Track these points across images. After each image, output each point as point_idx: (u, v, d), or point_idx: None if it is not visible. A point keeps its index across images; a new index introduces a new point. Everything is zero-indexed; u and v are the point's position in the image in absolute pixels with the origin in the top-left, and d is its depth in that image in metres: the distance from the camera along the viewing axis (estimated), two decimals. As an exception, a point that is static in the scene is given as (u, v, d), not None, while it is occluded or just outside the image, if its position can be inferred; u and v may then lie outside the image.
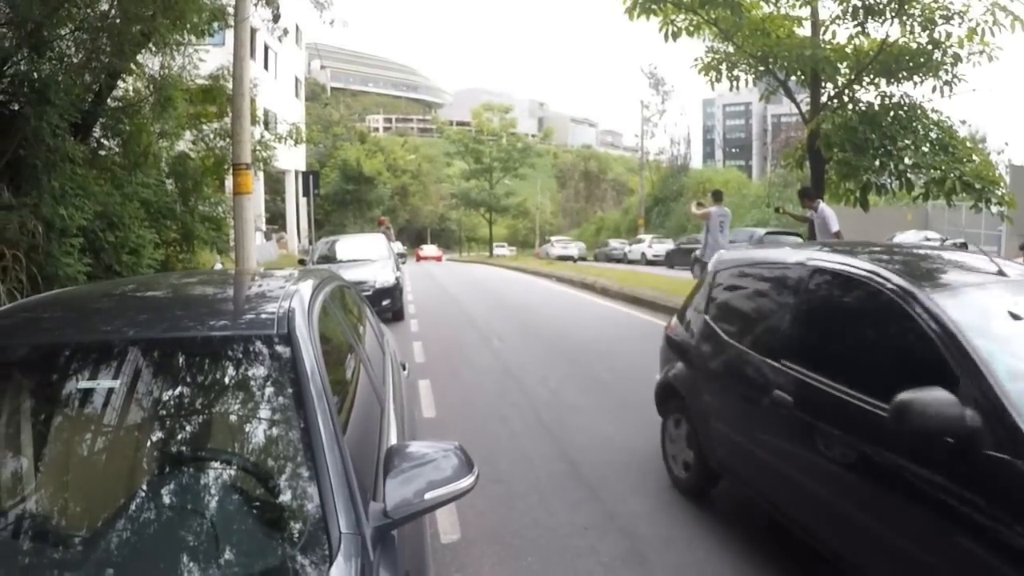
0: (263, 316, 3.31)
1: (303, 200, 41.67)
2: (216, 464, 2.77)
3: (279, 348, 3.04)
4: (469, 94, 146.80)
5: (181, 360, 3.13)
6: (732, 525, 5.83)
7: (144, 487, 2.63)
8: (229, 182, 17.42)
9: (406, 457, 2.85)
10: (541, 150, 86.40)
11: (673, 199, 67.97)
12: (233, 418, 2.98)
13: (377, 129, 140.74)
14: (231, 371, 3.13)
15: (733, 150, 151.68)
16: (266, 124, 24.83)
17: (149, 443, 2.82)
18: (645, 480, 6.86)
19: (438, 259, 70.05)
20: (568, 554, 5.37)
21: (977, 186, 15.32)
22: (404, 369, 6.05)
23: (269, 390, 3.00)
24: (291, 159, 40.80)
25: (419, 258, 68.66)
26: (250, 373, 3.10)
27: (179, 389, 3.04)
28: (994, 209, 16.52)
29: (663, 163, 76.87)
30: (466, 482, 2.83)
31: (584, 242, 68.36)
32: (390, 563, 2.56)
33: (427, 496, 2.71)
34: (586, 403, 9.74)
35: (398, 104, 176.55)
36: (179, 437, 2.89)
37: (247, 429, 2.93)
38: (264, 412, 2.96)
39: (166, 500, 2.59)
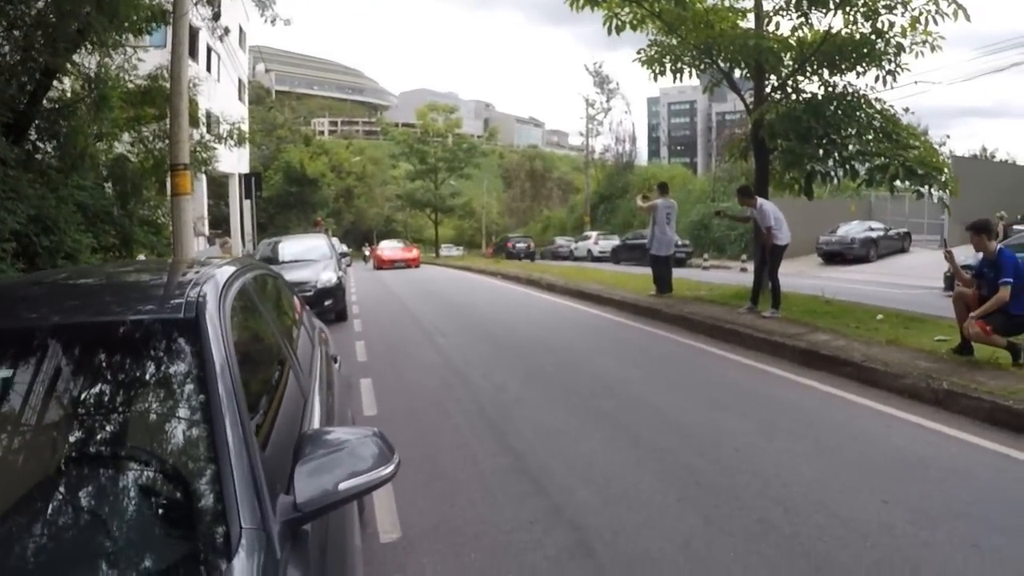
0: (173, 301, 3.05)
1: (247, 203, 41.10)
2: (111, 456, 2.52)
3: (186, 333, 2.80)
4: (415, 96, 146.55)
5: (79, 348, 2.87)
6: (681, 516, 5.67)
7: (32, 482, 2.38)
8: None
9: (319, 444, 2.61)
10: (486, 150, 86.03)
11: (619, 196, 68.13)
12: (133, 407, 2.72)
13: (323, 132, 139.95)
14: (133, 357, 2.87)
15: (678, 147, 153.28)
16: (209, 126, 24.45)
17: (40, 436, 2.58)
18: (592, 471, 6.70)
19: (414, 262, 48.00)
20: (513, 549, 5.19)
21: (920, 172, 15.35)
22: (336, 362, 5.81)
23: (174, 377, 2.76)
24: (235, 163, 40.29)
25: (381, 262, 47.10)
26: (154, 359, 2.85)
27: (75, 378, 2.78)
28: (935, 195, 16.62)
29: (608, 161, 76.94)
30: (386, 471, 2.59)
31: (531, 240, 68.23)
32: (301, 561, 2.33)
33: (341, 487, 2.45)
34: (531, 396, 9.57)
35: (343, 107, 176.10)
36: (73, 427, 2.61)
37: (147, 418, 2.68)
38: (167, 400, 2.70)
39: (55, 495, 2.34)
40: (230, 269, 3.75)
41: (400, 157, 79.47)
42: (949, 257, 10.81)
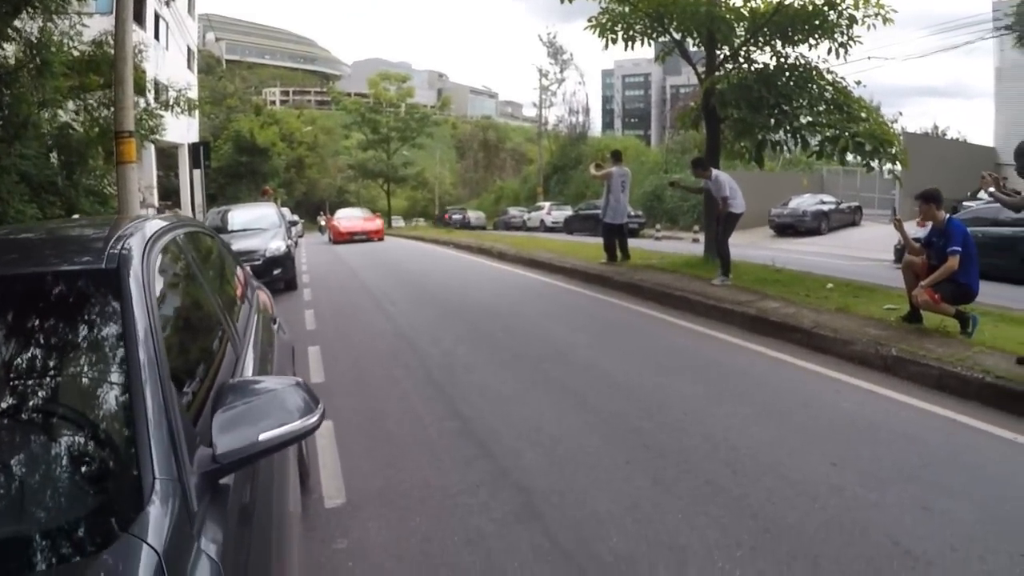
0: (95, 252, 2.89)
1: (196, 174, 40.61)
2: (24, 407, 2.40)
3: (106, 284, 2.68)
4: (368, 65, 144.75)
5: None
6: (629, 478, 5.62)
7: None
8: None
9: (240, 393, 2.49)
10: (439, 120, 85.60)
11: (572, 167, 67.84)
12: (48, 358, 2.58)
13: (274, 102, 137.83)
14: (51, 308, 2.74)
15: (632, 120, 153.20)
16: (157, 94, 24.04)
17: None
18: (539, 435, 6.62)
19: (376, 235, 40.93)
20: (459, 512, 5.11)
21: (869, 146, 15.37)
22: (275, 323, 5.68)
23: (92, 328, 2.64)
24: (184, 133, 39.64)
25: (339, 235, 40.22)
26: (72, 310, 2.72)
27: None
28: (887, 168, 16.69)
29: (562, 132, 76.72)
30: (310, 421, 2.48)
31: (484, 211, 69.90)
32: (219, 516, 2.21)
33: (262, 437, 2.33)
34: (479, 360, 9.48)
35: (295, 77, 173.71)
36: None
37: (63, 369, 2.55)
38: (83, 351, 2.57)
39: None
40: (160, 223, 3.62)
41: (352, 127, 78.79)
42: (898, 225, 10.81)
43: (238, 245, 14.77)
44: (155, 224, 3.53)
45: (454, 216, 64.79)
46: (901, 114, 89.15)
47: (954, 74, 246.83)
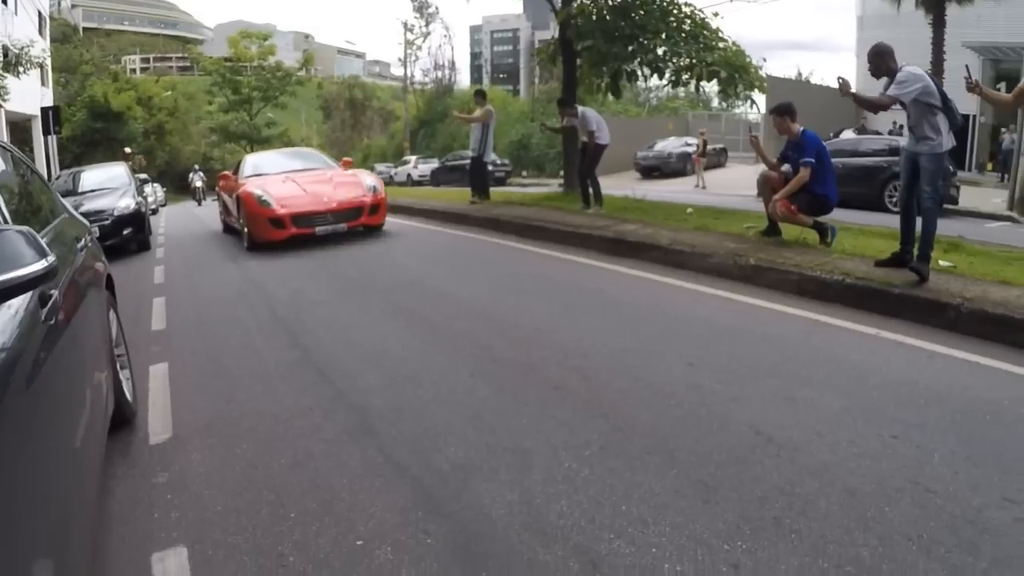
0: None
1: (50, 141, 38.96)
2: None
3: None
4: (231, 28, 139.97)
5: None
6: (473, 390, 5.38)
7: None
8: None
9: None
10: (302, 79, 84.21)
11: (439, 121, 67.75)
12: None
13: (134, 70, 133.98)
14: None
15: (501, 75, 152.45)
16: (6, 58, 22.87)
17: None
18: (382, 358, 6.31)
19: (374, 220, 14.54)
20: (288, 436, 4.80)
21: (725, 73, 15.43)
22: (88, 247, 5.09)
23: None
24: (37, 104, 38.01)
25: (273, 230, 13.49)
26: None
27: None
28: (743, 101, 16.79)
29: (428, 86, 76.30)
30: (32, 268, 2.17)
31: (353, 168, 67.87)
32: None
33: None
34: (327, 298, 9.09)
35: (156, 43, 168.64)
36: None
37: None
38: None
39: None
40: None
41: (214, 89, 77.15)
42: (754, 142, 10.78)
43: (87, 206, 14.38)
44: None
45: None
46: (765, 60, 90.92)
47: (820, 29, 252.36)
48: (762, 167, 10.59)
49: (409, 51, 74.02)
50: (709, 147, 39.77)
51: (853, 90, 8.05)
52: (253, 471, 4.36)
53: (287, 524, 3.70)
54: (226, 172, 18.03)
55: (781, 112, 9.75)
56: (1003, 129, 30.65)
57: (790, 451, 4.14)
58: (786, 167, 9.94)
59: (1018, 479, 3.85)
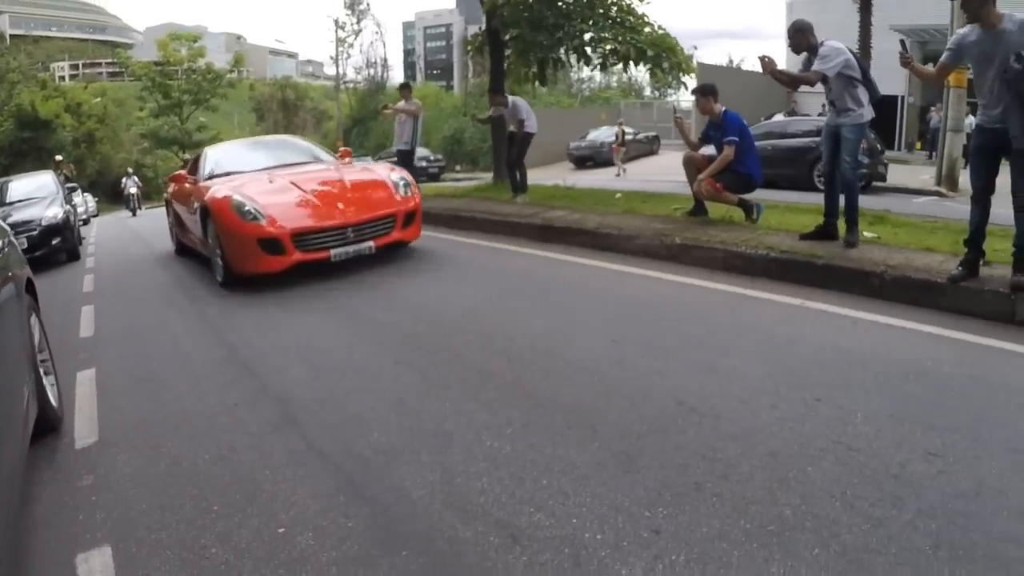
0: None
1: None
2: None
3: None
4: (161, 31, 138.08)
5: None
6: (396, 377, 5.38)
7: None
8: None
9: None
10: (233, 80, 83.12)
11: (372, 119, 67.67)
12: None
13: (64, 77, 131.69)
14: None
15: (434, 71, 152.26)
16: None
17: None
18: (306, 352, 6.28)
19: (407, 236, 10.12)
20: (213, 432, 4.78)
21: (652, 52, 15.56)
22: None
23: None
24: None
25: (256, 259, 9.06)
26: None
27: None
28: (674, 84, 17.00)
29: (360, 84, 76.05)
30: None
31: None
32: None
33: None
34: (255, 298, 8.91)
35: (85, 48, 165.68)
36: None
37: None
38: None
39: None
40: None
41: (144, 94, 76.04)
42: (678, 121, 10.90)
43: (14, 217, 14.25)
44: None
45: None
46: (696, 48, 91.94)
47: (750, 17, 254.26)
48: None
49: (341, 49, 73.86)
50: (641, 135, 40.04)
51: (776, 68, 8.14)
52: (177, 468, 4.35)
53: (210, 517, 3.68)
54: (179, 172, 13.06)
55: (705, 92, 9.90)
56: (932, 108, 31.12)
57: (712, 419, 4.19)
58: (709, 150, 10.06)
59: (941, 434, 3.94)
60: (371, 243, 9.30)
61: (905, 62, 6.84)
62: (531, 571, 3.00)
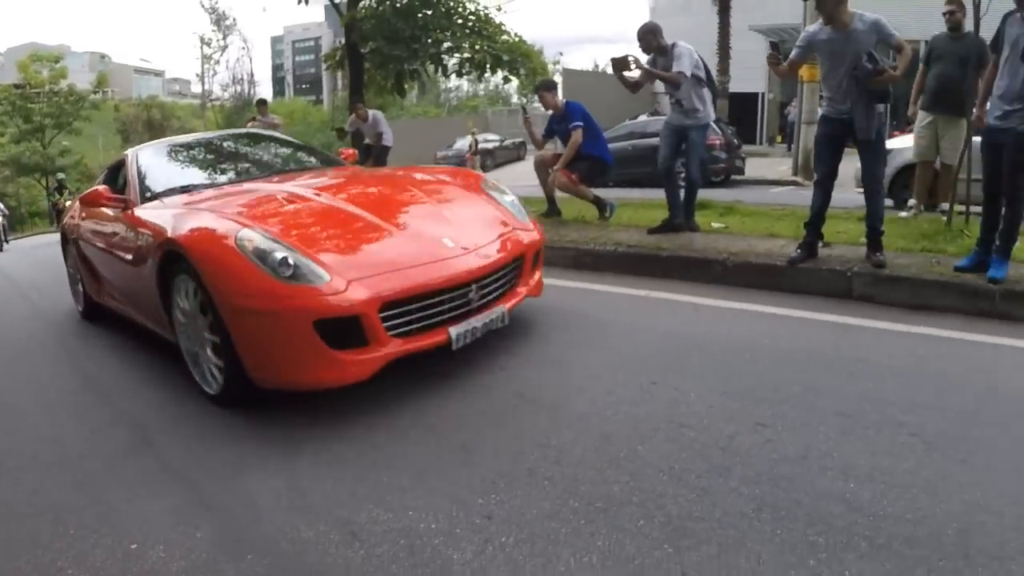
0: None
1: None
2: None
3: None
4: (22, 51, 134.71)
5: None
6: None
7: None
8: None
9: None
10: (97, 101, 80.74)
11: (240, 135, 66.65)
12: None
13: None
14: None
15: (304, 85, 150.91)
16: None
17: None
18: (164, 381, 6.15)
19: (532, 290, 5.99)
20: (68, 461, 4.73)
21: (507, 57, 15.86)
22: None
23: None
24: None
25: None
26: None
27: None
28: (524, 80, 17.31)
29: (227, 102, 74.98)
30: None
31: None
32: None
33: None
34: (115, 326, 8.77)
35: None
36: None
37: None
38: None
39: None
40: None
41: (4, 119, 73.39)
42: (527, 122, 11.08)
43: None
44: None
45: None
46: (562, 54, 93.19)
47: (617, 22, 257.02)
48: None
49: (207, 66, 72.66)
50: (508, 142, 40.48)
51: (632, 69, 8.41)
52: (35, 497, 4.30)
53: (66, 540, 3.69)
54: (96, 189, 6.72)
55: (547, 87, 10.47)
56: (790, 104, 32.00)
57: (550, 408, 4.37)
58: (557, 146, 10.35)
59: (771, 406, 4.19)
60: (503, 308, 5.25)
61: (775, 61, 7.13)
62: (368, 564, 3.13)
